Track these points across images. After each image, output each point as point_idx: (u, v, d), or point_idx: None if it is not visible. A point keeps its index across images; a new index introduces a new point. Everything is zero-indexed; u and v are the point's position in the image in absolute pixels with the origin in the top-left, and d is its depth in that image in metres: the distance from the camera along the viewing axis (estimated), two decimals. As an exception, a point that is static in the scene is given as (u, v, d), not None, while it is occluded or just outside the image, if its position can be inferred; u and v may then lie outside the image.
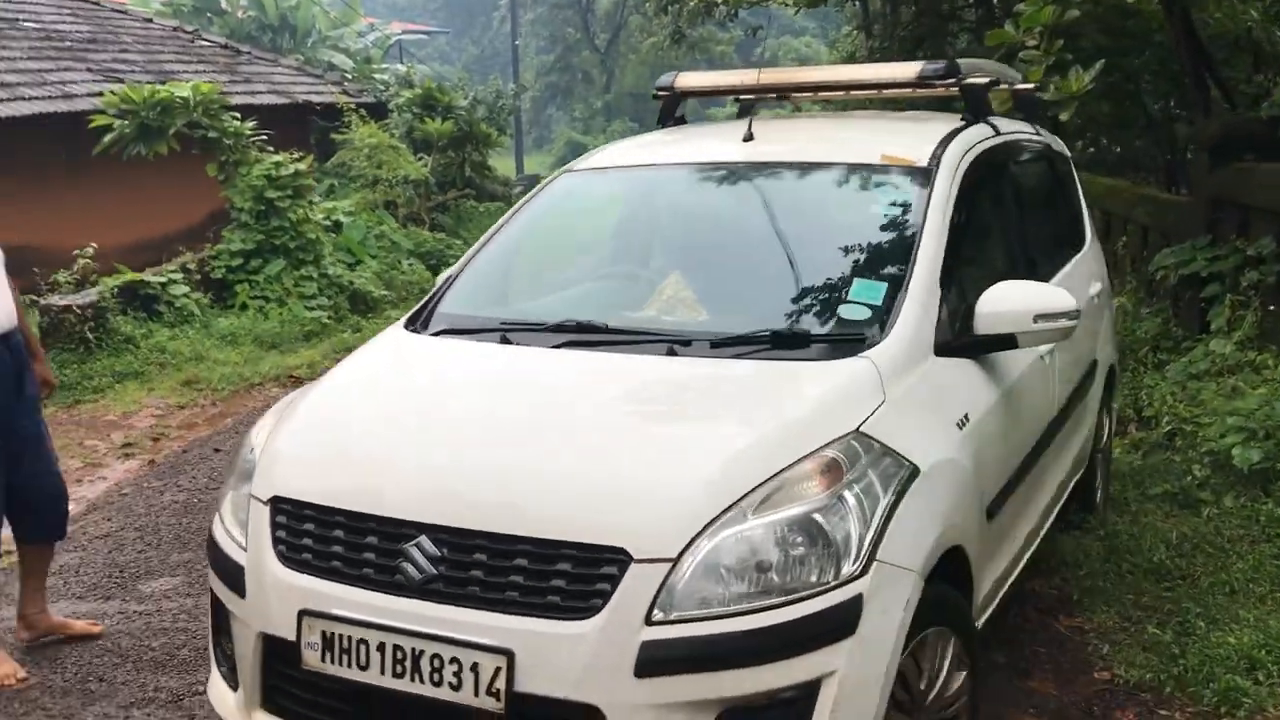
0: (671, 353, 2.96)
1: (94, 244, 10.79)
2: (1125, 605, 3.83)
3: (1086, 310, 4.02)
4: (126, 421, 7.37)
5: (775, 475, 2.46)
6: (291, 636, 2.62)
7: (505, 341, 3.19)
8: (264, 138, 11.53)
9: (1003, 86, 4.46)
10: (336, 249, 12.07)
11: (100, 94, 12.33)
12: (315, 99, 16.46)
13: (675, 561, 2.35)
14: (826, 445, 2.54)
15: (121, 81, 13.32)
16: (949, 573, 2.70)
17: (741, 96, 4.77)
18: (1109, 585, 3.98)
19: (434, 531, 2.52)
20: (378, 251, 12.80)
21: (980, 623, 3.06)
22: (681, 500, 2.43)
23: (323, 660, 2.57)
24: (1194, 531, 4.29)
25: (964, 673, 2.75)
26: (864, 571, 2.39)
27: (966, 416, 2.95)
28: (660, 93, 4.38)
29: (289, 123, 14.90)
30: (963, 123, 3.82)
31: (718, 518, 2.39)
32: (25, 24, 14.39)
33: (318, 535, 2.68)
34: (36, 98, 12.17)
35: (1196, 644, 3.48)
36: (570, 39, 45.56)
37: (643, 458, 2.59)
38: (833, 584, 2.37)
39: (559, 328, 3.19)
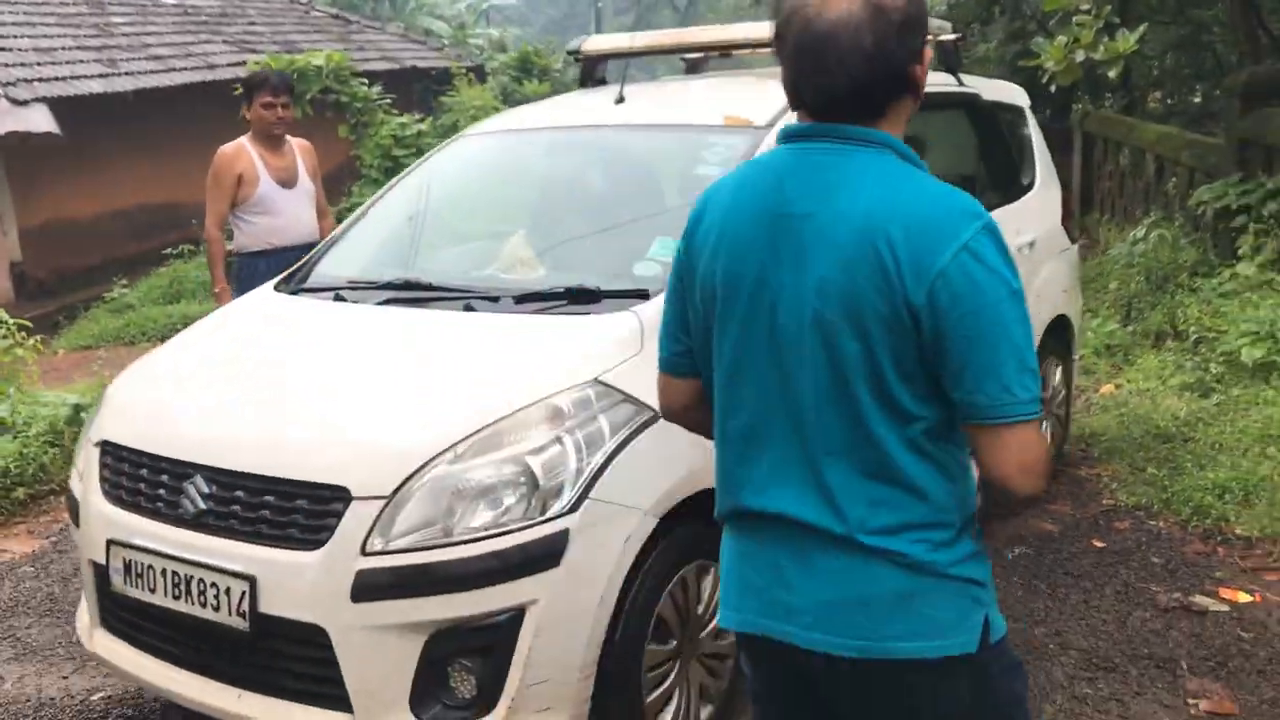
0: (469, 308, 3.16)
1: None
2: (1135, 458, 4.85)
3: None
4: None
5: (499, 420, 2.64)
6: (104, 561, 2.91)
7: (339, 299, 3.44)
8: (388, 101, 12.75)
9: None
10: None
11: (241, 63, 13.62)
12: (421, 64, 17.64)
13: (389, 499, 2.54)
14: (559, 393, 2.70)
15: (255, 51, 14.61)
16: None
17: (685, 56, 4.91)
18: (1124, 445, 4.99)
19: (206, 471, 2.77)
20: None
21: None
22: (399, 443, 2.63)
23: (124, 584, 2.86)
24: (1201, 409, 5.26)
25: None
26: (574, 509, 2.55)
27: None
28: (574, 55, 4.55)
29: (397, 86, 16.10)
30: None
31: (433, 460, 2.57)
32: (164, 2, 15.72)
33: (128, 474, 2.97)
34: (186, 68, 13.47)
35: (1184, 480, 4.50)
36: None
37: (379, 406, 2.82)
38: (539, 520, 2.53)
39: (387, 285, 3.43)
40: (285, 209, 5.22)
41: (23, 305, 10.83)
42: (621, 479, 2.62)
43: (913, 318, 1.52)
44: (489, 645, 2.54)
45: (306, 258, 3.90)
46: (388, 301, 3.34)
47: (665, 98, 4.30)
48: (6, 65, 11.02)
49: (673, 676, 2.80)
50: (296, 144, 5.44)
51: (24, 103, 10.56)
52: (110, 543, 2.88)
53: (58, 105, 10.88)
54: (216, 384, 3.16)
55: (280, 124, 5.27)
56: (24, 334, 6.32)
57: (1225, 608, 3.65)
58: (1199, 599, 3.70)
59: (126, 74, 12.43)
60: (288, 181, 5.28)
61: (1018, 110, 5.03)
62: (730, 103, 3.75)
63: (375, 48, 17.47)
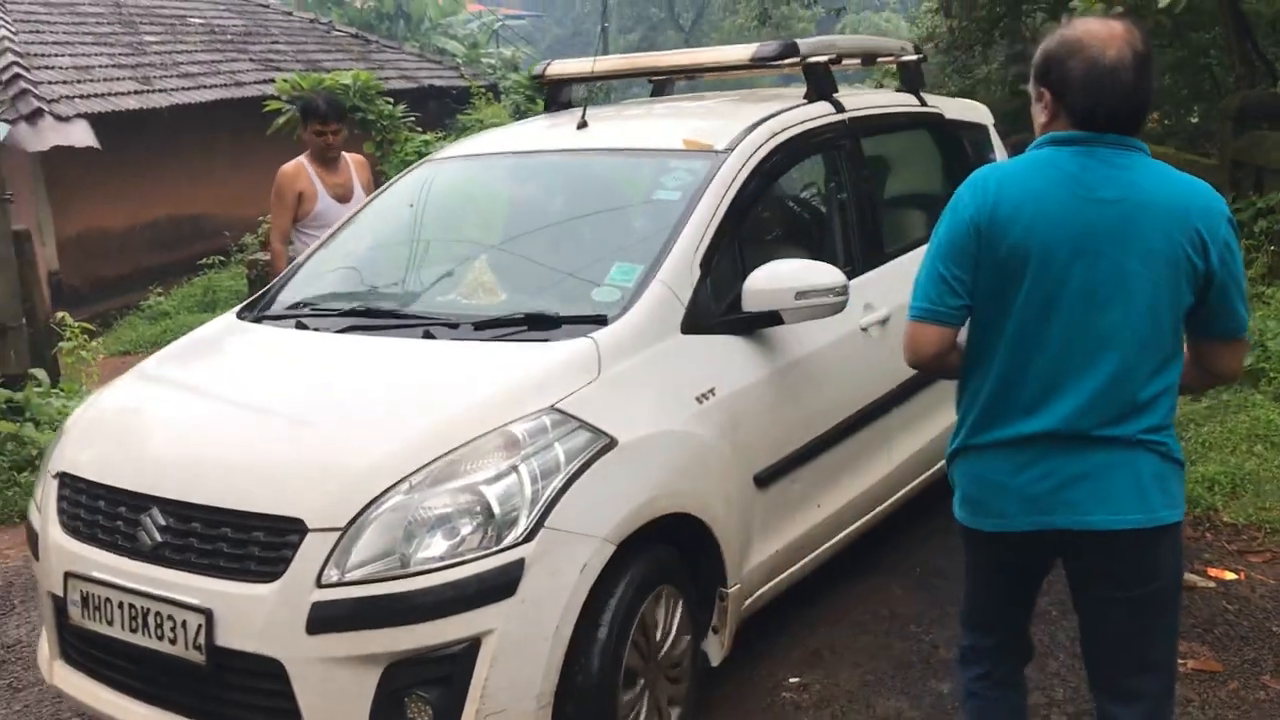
0: (428, 335, 3.14)
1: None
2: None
3: None
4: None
5: (454, 450, 2.61)
6: (62, 594, 2.88)
7: (301, 327, 3.38)
8: (412, 119, 13.17)
9: (884, 60, 4.60)
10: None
11: (268, 80, 14.04)
12: (438, 83, 18.08)
13: (344, 531, 2.52)
14: (515, 421, 2.68)
15: (279, 69, 15.05)
16: (685, 538, 2.92)
17: (652, 79, 5.04)
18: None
19: (162, 503, 2.74)
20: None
21: (783, 580, 3.35)
22: (353, 475, 2.60)
23: (82, 616, 2.82)
24: (1194, 411, 5.65)
25: (688, 636, 2.96)
26: (529, 538, 2.53)
27: (712, 391, 3.05)
28: (538, 79, 4.66)
29: (415, 104, 16.56)
30: (802, 101, 3.95)
31: (387, 490, 2.55)
32: (192, 19, 16.18)
33: (86, 505, 2.92)
34: (215, 85, 13.93)
35: (1176, 473, 4.90)
36: (655, 19, 46.57)
37: (335, 436, 2.78)
38: (493, 549, 2.51)
39: (348, 313, 3.40)
40: None
41: (59, 311, 11.26)
42: (577, 507, 2.61)
43: (1207, 272, 2.16)
44: (445, 676, 2.52)
45: (269, 285, 3.88)
46: (348, 329, 3.29)
47: (627, 122, 4.29)
48: (49, 83, 11.46)
49: (644, 706, 2.82)
50: (351, 159, 5.79)
51: (66, 118, 10.99)
52: (68, 575, 2.85)
53: (96, 120, 11.31)
54: (174, 414, 3.14)
55: (333, 148, 5.60)
56: (86, 336, 6.71)
57: (1213, 584, 4.03)
58: (1189, 576, 4.06)
59: (160, 90, 12.88)
60: (343, 197, 5.63)
61: (981, 129, 5.03)
62: (690, 127, 3.82)
63: (394, 67, 17.90)
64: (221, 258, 11.85)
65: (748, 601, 3.21)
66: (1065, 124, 2.22)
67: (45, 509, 3.04)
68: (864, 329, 3.66)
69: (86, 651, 2.91)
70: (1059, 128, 2.23)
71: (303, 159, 5.61)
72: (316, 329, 3.35)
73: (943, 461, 3.90)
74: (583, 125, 3.89)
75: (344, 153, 5.76)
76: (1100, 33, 2.16)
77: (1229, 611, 3.83)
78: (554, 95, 4.64)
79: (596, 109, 4.00)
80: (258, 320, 3.60)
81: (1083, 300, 2.16)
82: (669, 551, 2.88)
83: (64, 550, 2.91)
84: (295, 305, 3.60)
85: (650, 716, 2.84)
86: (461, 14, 26.74)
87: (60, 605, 2.91)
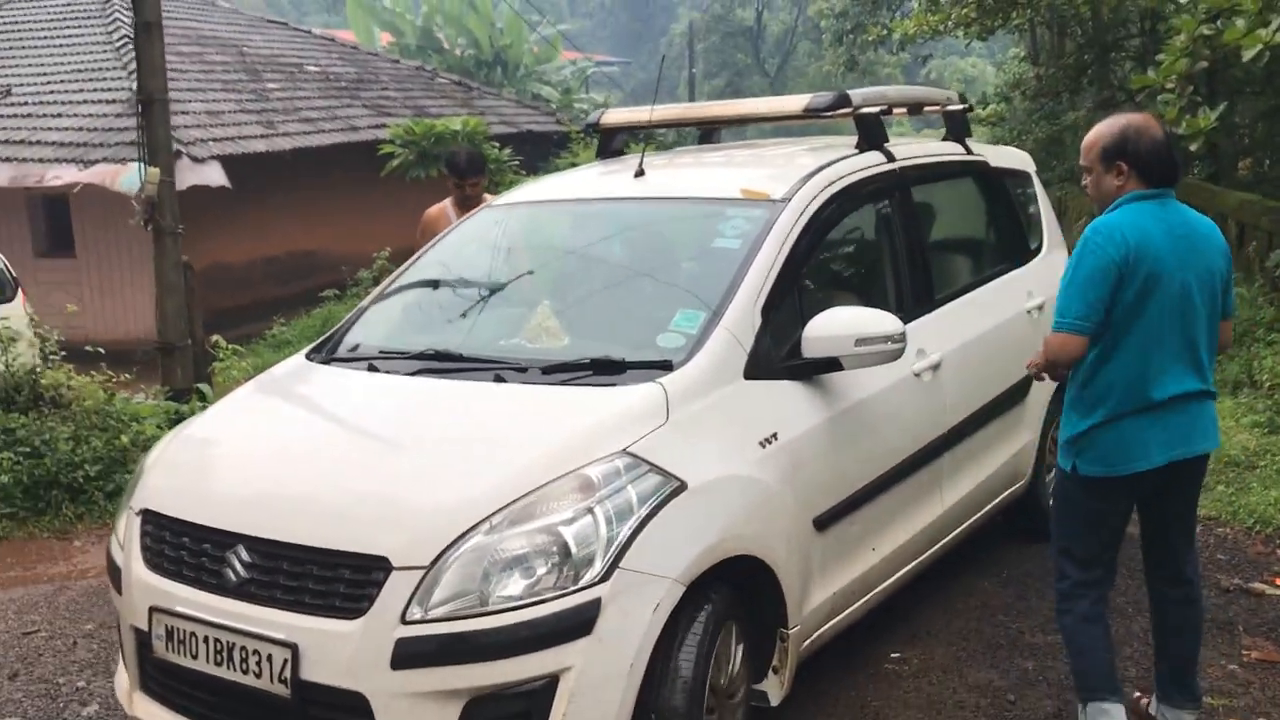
0: (499, 379, 3.20)
1: (388, 248, 13.25)
2: (1207, 479, 5.54)
3: (1020, 323, 4.37)
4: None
5: (532, 491, 2.69)
6: (147, 628, 2.95)
7: (372, 370, 3.48)
8: (516, 162, 13.89)
9: (931, 109, 4.70)
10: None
11: (380, 125, 14.90)
12: (535, 128, 18.87)
13: (428, 569, 2.60)
14: (590, 464, 2.75)
15: (390, 115, 15.94)
16: (750, 580, 3.00)
17: (701, 126, 5.14)
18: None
19: (249, 541, 2.82)
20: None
21: (841, 621, 3.42)
22: (438, 515, 2.68)
23: (166, 650, 2.90)
24: (1269, 442, 5.94)
25: (745, 675, 3.06)
26: (605, 578, 2.61)
27: (774, 435, 3.12)
28: (592, 128, 4.78)
29: (514, 148, 17.33)
30: (854, 151, 4.04)
31: (469, 530, 2.63)
32: (309, 68, 17.19)
33: (170, 542, 3.00)
34: (332, 130, 14.82)
35: (1249, 496, 5.22)
36: (740, 64, 47.24)
37: (417, 478, 2.85)
38: (571, 589, 2.59)
39: (419, 355, 3.45)
40: None
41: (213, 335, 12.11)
42: (650, 548, 2.68)
43: (1227, 277, 3.11)
44: (524, 711, 2.59)
45: (335, 328, 3.97)
46: (419, 372, 3.37)
47: (682, 170, 4.34)
48: (186, 126, 12.38)
49: None
50: (491, 201, 6.31)
51: (201, 160, 11.89)
52: (152, 610, 2.93)
53: (226, 162, 12.20)
54: (256, 454, 3.21)
55: (472, 200, 5.89)
56: (236, 358, 7.39)
57: (1279, 593, 4.35)
58: (1257, 585, 4.39)
59: (283, 134, 13.79)
60: None
61: (1025, 176, 5.13)
62: (746, 176, 3.90)
63: (494, 112, 18.72)
64: (337, 291, 12.58)
65: (806, 642, 3.28)
66: (1138, 185, 3.08)
67: (129, 545, 3.11)
68: (917, 374, 3.73)
69: (167, 684, 2.99)
70: (1133, 188, 3.08)
71: (446, 202, 6.07)
72: (388, 371, 3.45)
73: (991, 505, 4.31)
74: (640, 173, 3.95)
75: (486, 195, 6.24)
76: (1148, 122, 3.09)
77: (1292, 617, 4.16)
78: (606, 143, 4.74)
79: (651, 156, 4.13)
80: (326, 362, 3.68)
81: (1182, 304, 3.02)
82: (731, 593, 2.95)
83: (148, 586, 2.98)
84: (359, 348, 3.71)
85: None
86: (556, 61, 27.65)
87: (143, 639, 2.99)
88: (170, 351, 6.80)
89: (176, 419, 6.40)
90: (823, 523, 3.27)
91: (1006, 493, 4.44)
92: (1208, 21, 6.39)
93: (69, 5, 16.96)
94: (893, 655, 3.89)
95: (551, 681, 2.57)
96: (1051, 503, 3.77)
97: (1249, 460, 5.73)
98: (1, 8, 17.30)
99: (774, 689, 3.16)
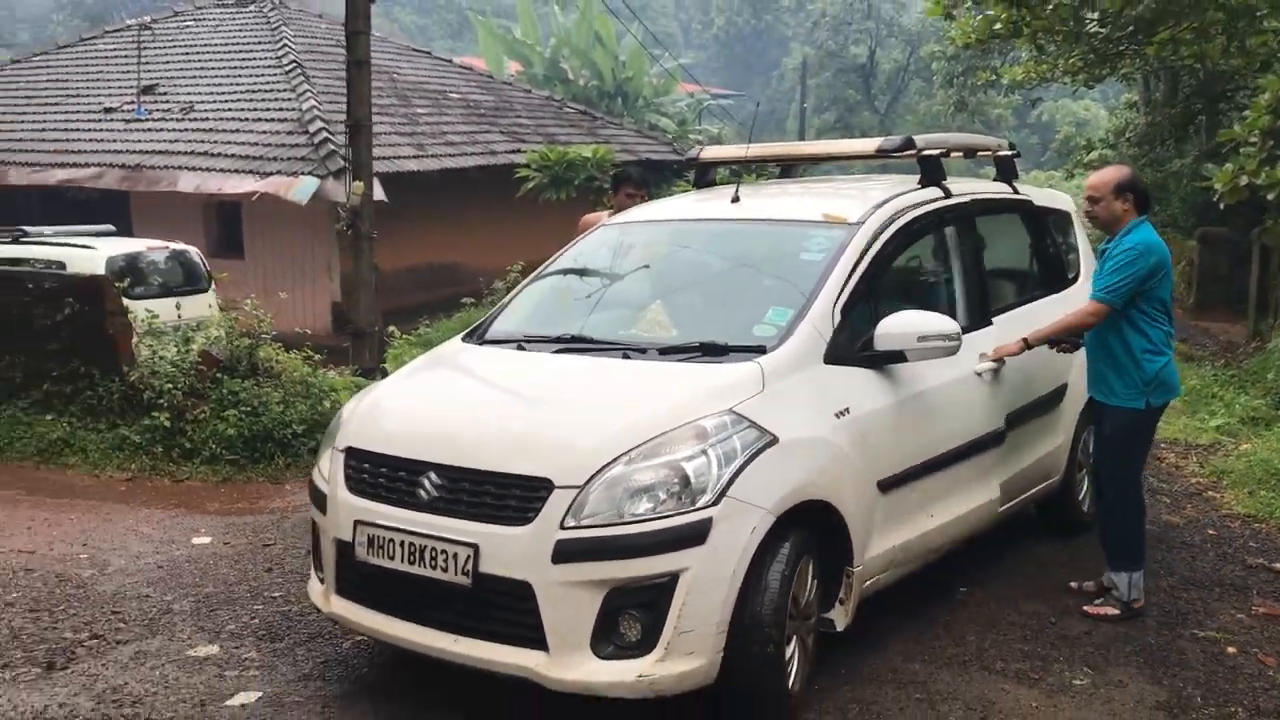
0: (626, 357, 3.96)
1: (521, 262, 14.43)
2: (1253, 486, 6.34)
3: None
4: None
5: (661, 434, 3.40)
6: (350, 539, 3.65)
7: (521, 349, 4.25)
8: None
9: (984, 154, 5.41)
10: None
11: (515, 150, 16.18)
12: (653, 156, 19.98)
13: (581, 489, 3.31)
14: (704, 417, 3.46)
15: (524, 141, 17.23)
16: (824, 523, 3.67)
17: (789, 163, 5.96)
18: (1246, 479, 6.48)
19: (438, 468, 3.52)
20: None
21: (898, 571, 4.12)
22: (589, 448, 3.39)
23: (367, 554, 3.60)
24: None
25: (816, 604, 3.74)
26: (715, 503, 3.31)
27: (847, 409, 3.82)
28: (689, 162, 5.53)
29: (637, 175, 18.44)
30: (917, 186, 4.70)
31: (612, 462, 3.34)
32: (452, 95, 18.60)
33: (369, 471, 3.71)
34: (474, 153, 16.15)
35: (1281, 500, 6.03)
36: (851, 100, 47.83)
37: (574, 420, 3.58)
38: (690, 509, 3.29)
39: (558, 339, 4.22)
40: None
41: (338, 336, 13.46)
42: (748, 484, 3.37)
43: None
44: (651, 601, 3.26)
45: (484, 318, 4.74)
46: (560, 350, 4.13)
47: (770, 199, 5.01)
48: (347, 146, 13.78)
49: (793, 642, 3.62)
50: (605, 217, 7.16)
51: (363, 176, 13.27)
52: (357, 523, 3.62)
53: (383, 180, 13.55)
54: (436, 405, 3.97)
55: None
56: (407, 345, 8.60)
57: (1288, 568, 5.19)
58: (1278, 565, 5.21)
59: (432, 156, 15.17)
60: None
61: (1065, 215, 5.84)
62: (826, 204, 4.57)
63: (617, 141, 19.86)
64: (474, 299, 13.83)
65: (867, 583, 3.94)
66: (1134, 212, 4.47)
67: (334, 476, 3.83)
68: (979, 374, 4.49)
69: (361, 584, 3.69)
70: (1132, 213, 4.48)
71: (605, 213, 6.48)
72: (535, 350, 4.21)
73: (1030, 492, 5.08)
74: (736, 200, 4.67)
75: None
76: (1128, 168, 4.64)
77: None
78: (703, 175, 5.52)
79: (745, 187, 4.83)
80: (480, 343, 4.44)
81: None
82: (808, 534, 3.61)
83: (352, 505, 3.69)
84: (510, 333, 4.44)
85: (797, 647, 3.66)
86: (673, 93, 28.83)
87: (345, 548, 3.68)
88: (360, 336, 8.02)
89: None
90: (886, 485, 3.94)
91: (1044, 484, 5.14)
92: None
93: (241, 30, 18.74)
94: (961, 589, 4.83)
95: (672, 578, 3.26)
96: (1115, 445, 4.55)
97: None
98: (183, 30, 19.15)
99: (840, 617, 3.86)
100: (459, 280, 15.40)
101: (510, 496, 3.39)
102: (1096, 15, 11.61)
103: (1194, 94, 16.53)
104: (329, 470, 3.90)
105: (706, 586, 3.29)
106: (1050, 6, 10.89)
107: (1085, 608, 4.57)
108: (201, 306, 10.31)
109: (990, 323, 4.73)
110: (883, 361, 4.02)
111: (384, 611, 3.62)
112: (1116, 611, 4.50)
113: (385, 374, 7.93)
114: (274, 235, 14.50)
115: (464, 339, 4.59)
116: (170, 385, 7.33)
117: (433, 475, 3.52)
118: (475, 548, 3.35)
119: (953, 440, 4.35)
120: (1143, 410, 4.43)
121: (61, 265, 9.87)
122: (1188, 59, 14.60)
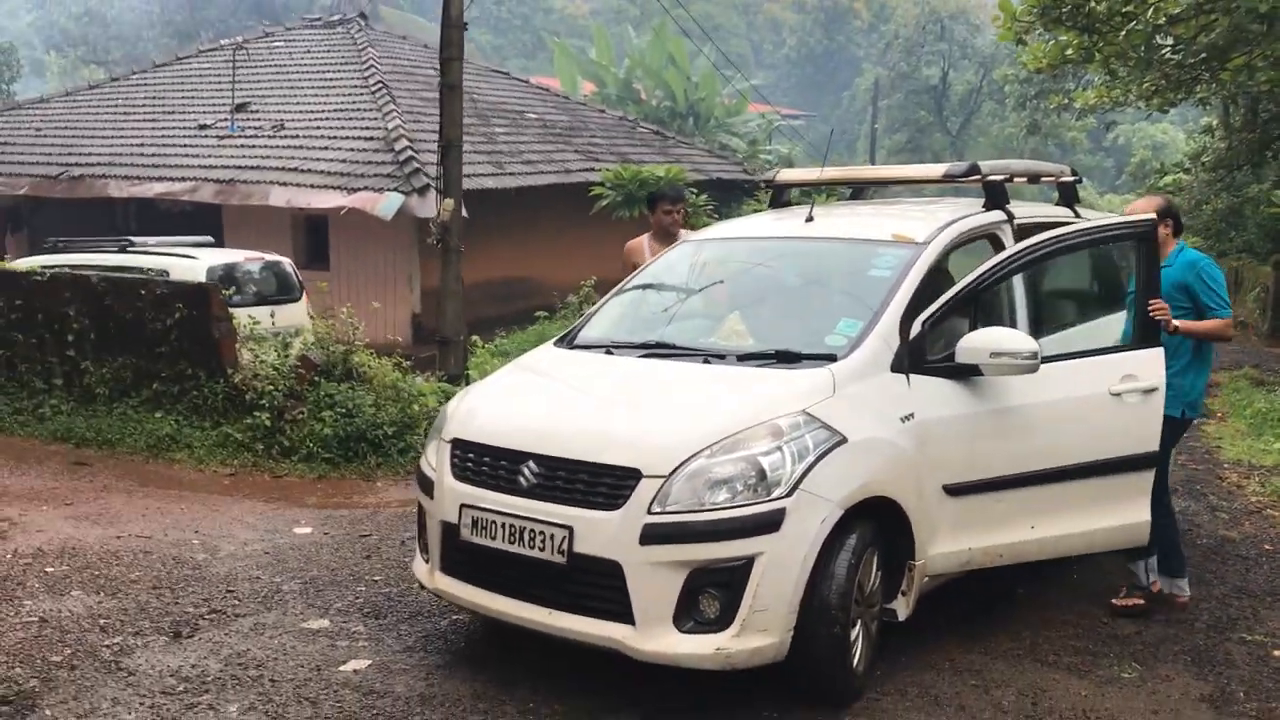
0: (707, 362, 4.26)
1: (594, 277, 14.80)
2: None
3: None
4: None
5: (739, 431, 3.71)
6: (455, 521, 4.00)
7: (609, 353, 4.57)
8: (710, 207, 15.36)
9: (1047, 180, 5.53)
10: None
11: (590, 169, 16.59)
12: (724, 176, 20.33)
13: (667, 478, 3.63)
14: (779, 417, 3.75)
15: (598, 160, 17.65)
16: (890, 520, 3.92)
17: (862, 185, 6.29)
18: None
19: (536, 458, 3.87)
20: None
21: (969, 566, 4.27)
22: (674, 443, 3.70)
23: (471, 534, 3.94)
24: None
25: (880, 593, 4.01)
26: (789, 495, 3.61)
27: (912, 415, 4.03)
28: (767, 184, 5.73)
29: (706, 193, 18.80)
30: (981, 209, 4.88)
31: (695, 455, 3.65)
32: (529, 115, 19.10)
33: (474, 460, 4.05)
34: (549, 171, 16.60)
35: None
36: (923, 121, 47.72)
37: (661, 416, 3.91)
38: (765, 499, 3.60)
39: (643, 345, 4.53)
40: None
41: (417, 346, 13.98)
42: (819, 479, 3.66)
43: None
44: (729, 581, 3.57)
45: (573, 326, 5.08)
46: (645, 356, 4.43)
47: (842, 219, 5.20)
48: (430, 164, 14.33)
49: (859, 625, 3.88)
50: (685, 234, 6.81)
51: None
52: (462, 506, 3.97)
53: (464, 196, 14.05)
54: (534, 401, 4.33)
55: (675, 224, 6.67)
56: (488, 354, 9.01)
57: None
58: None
59: (509, 174, 15.65)
60: None
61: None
62: (896, 224, 4.79)
63: (688, 160, 20.25)
64: (548, 313, 14.25)
65: (926, 578, 4.13)
66: (1172, 235, 5.00)
67: (440, 465, 4.18)
68: (1114, 394, 4.44)
69: (464, 562, 4.04)
70: (1173, 239, 5.02)
71: (645, 236, 6.55)
72: (622, 354, 4.53)
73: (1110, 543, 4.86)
74: (810, 219, 4.91)
75: (681, 228, 6.85)
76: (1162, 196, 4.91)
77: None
78: (778, 195, 5.67)
79: (818, 208, 5.04)
80: (571, 349, 4.77)
81: None
82: (874, 529, 3.88)
83: (457, 490, 4.04)
84: (598, 339, 4.73)
85: (861, 631, 3.92)
86: (744, 114, 29.17)
87: (450, 530, 4.03)
88: (447, 344, 8.46)
89: (449, 397, 8.03)
90: (953, 490, 4.11)
91: (1123, 542, 4.69)
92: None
93: (329, 51, 19.46)
94: (1020, 590, 5.11)
95: (749, 561, 3.57)
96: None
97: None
98: (273, 50, 19.93)
99: (901, 608, 4.10)
100: (532, 294, 15.83)
101: (602, 484, 3.72)
102: (1170, 41, 11.71)
103: (1273, 119, 16.46)
104: (435, 459, 4.24)
105: (779, 570, 3.58)
106: (1123, 33, 11.01)
107: (1113, 600, 4.82)
108: (294, 315, 10.84)
109: (1048, 335, 4.69)
110: (959, 374, 4.19)
111: (485, 587, 3.97)
112: (1141, 601, 4.78)
113: (469, 380, 8.35)
114: (358, 248, 15.05)
115: (555, 344, 4.91)
116: (271, 387, 7.82)
117: (532, 464, 3.86)
118: (570, 529, 3.69)
119: (1068, 457, 4.38)
120: (1178, 419, 4.75)
121: (165, 273, 10.44)
122: (1265, 84, 14.62)
